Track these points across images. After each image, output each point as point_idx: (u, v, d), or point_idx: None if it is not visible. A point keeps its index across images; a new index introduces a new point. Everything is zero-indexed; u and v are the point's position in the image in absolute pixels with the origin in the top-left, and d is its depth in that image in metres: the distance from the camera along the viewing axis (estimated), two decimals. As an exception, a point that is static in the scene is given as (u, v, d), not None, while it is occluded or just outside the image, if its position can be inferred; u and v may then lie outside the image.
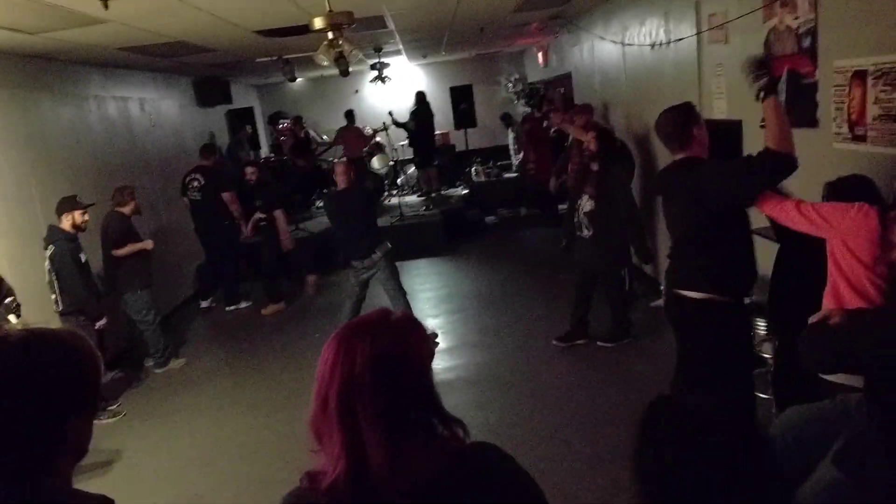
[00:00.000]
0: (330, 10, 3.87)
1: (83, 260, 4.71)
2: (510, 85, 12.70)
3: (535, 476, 1.16)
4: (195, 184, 6.97)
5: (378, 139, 11.18)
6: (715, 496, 0.92)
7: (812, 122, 3.38)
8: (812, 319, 2.24)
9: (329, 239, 8.84)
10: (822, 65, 3.27)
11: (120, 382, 5.46)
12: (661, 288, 3.71)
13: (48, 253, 4.58)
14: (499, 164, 11.54)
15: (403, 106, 11.01)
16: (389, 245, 5.36)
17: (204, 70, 8.61)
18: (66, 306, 4.58)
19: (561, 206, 7.93)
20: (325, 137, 11.91)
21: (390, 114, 10.85)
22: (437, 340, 5.45)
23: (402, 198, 10.32)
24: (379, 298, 5.65)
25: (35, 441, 0.96)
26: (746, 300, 3.02)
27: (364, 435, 1.02)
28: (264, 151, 12.48)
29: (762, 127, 3.86)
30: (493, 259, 8.24)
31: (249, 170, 7.25)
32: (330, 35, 3.96)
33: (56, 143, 5.65)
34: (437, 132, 11.13)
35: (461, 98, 11.08)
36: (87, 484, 1.56)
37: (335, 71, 5.46)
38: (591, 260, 4.89)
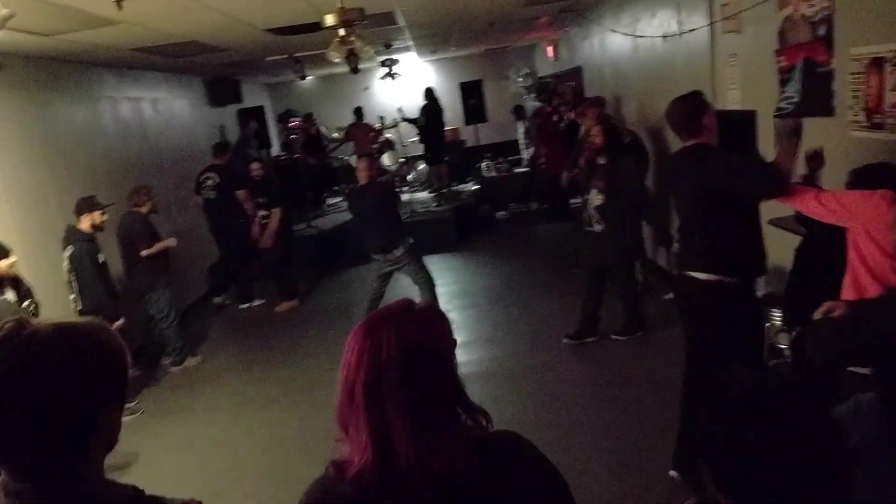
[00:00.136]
0: (342, 7, 3.88)
1: (101, 260, 4.76)
2: (520, 79, 12.66)
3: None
4: (209, 182, 7.01)
5: (388, 135, 11.20)
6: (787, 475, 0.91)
7: (828, 111, 3.34)
8: (816, 315, 2.23)
9: (338, 236, 8.89)
10: (839, 53, 3.23)
11: (137, 381, 5.51)
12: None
13: (67, 253, 4.63)
14: (509, 159, 11.52)
15: (413, 102, 11.01)
16: (412, 240, 5.36)
17: (215, 70, 8.65)
18: (85, 307, 4.63)
19: (572, 201, 7.90)
20: (335, 135, 11.94)
21: (399, 111, 10.86)
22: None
23: (413, 194, 10.33)
24: (394, 294, 5.66)
25: (68, 432, 0.97)
26: (758, 288, 3.01)
27: (391, 424, 1.02)
28: (275, 150, 12.52)
29: (776, 117, 3.84)
30: (505, 254, 8.24)
31: (254, 166, 7.26)
32: (342, 32, 3.97)
33: (70, 143, 5.71)
34: (447, 128, 11.12)
35: (471, 93, 11.05)
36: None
37: (345, 68, 5.47)
38: (603, 254, 4.87)
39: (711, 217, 2.85)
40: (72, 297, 4.65)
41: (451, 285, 7.17)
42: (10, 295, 3.90)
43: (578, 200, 5.99)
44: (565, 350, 4.95)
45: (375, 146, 10.82)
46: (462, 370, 1.13)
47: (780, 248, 3.66)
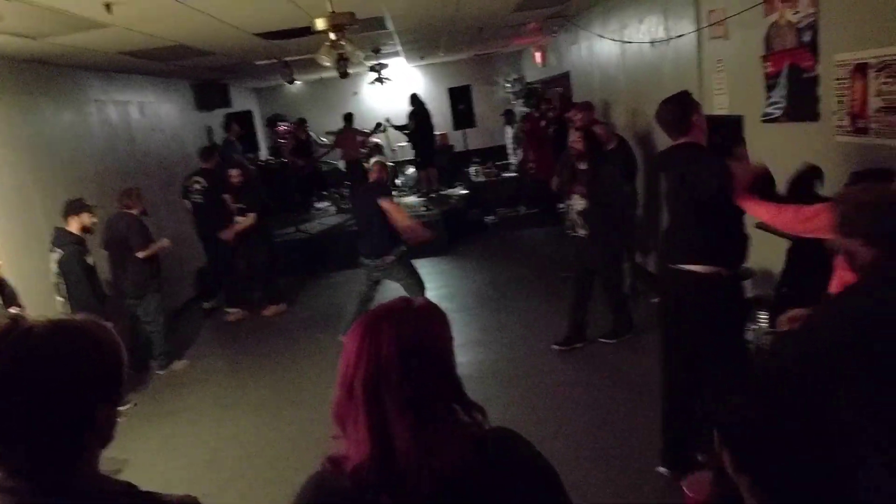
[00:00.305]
0: (332, 12, 3.89)
1: (90, 263, 4.72)
2: (508, 85, 12.73)
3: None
4: (197, 186, 6.97)
5: (377, 140, 11.21)
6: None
7: (813, 116, 3.40)
8: (782, 323, 2.29)
9: (326, 240, 8.87)
10: (823, 58, 3.29)
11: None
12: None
13: (55, 256, 4.58)
14: (497, 163, 11.57)
15: (401, 107, 11.03)
16: (404, 248, 5.31)
17: (203, 73, 8.62)
18: (73, 310, 4.58)
19: (561, 205, 7.94)
20: (324, 140, 11.93)
21: (387, 121, 10.89)
22: None
23: (402, 198, 10.33)
24: (387, 295, 5.66)
25: (63, 428, 0.97)
26: (746, 289, 3.10)
27: (390, 420, 1.03)
28: (263, 154, 12.49)
29: (764, 122, 3.90)
30: (494, 258, 8.26)
31: (233, 172, 6.99)
32: (332, 36, 3.98)
33: (57, 147, 5.66)
34: (436, 133, 11.16)
35: (459, 99, 11.11)
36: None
37: (334, 73, 5.49)
38: (588, 258, 4.89)
39: (699, 212, 2.93)
40: (59, 299, 4.60)
41: (439, 289, 7.17)
42: (-5, 299, 3.86)
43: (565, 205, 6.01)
44: (554, 353, 4.97)
45: (364, 150, 10.83)
46: (454, 372, 1.14)
47: (768, 252, 3.71)
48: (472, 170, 11.24)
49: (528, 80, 12.64)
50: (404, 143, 11.68)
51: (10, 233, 4.84)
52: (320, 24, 3.86)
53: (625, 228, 5.56)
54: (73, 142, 5.95)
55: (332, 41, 4.02)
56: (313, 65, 5.82)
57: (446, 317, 1.17)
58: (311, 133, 11.69)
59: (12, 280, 4.30)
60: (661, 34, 5.39)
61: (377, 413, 1.04)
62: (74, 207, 4.72)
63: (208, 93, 9.40)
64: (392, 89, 11.78)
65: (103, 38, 4.88)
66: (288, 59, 7.88)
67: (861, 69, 2.99)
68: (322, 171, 11.69)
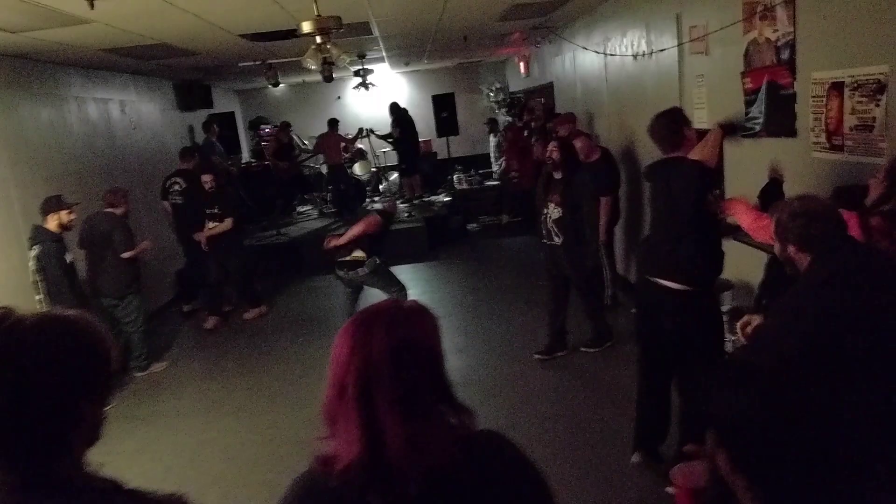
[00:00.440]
0: (318, 15, 3.89)
1: (69, 260, 4.65)
2: (491, 94, 12.81)
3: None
4: (176, 187, 6.90)
5: (360, 145, 11.19)
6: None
7: (791, 132, 3.48)
8: (739, 331, 2.41)
9: (308, 244, 8.81)
10: (801, 76, 3.37)
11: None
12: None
13: (33, 253, 4.51)
14: (480, 172, 11.62)
15: (384, 113, 11.03)
16: (378, 261, 5.21)
17: (185, 73, 8.55)
18: (51, 308, 4.51)
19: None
20: (306, 143, 11.88)
21: (371, 130, 10.90)
22: None
23: (385, 204, 10.31)
24: (376, 298, 5.65)
25: (50, 423, 0.96)
26: (723, 302, 3.17)
27: (381, 420, 1.04)
28: (245, 156, 12.40)
29: (742, 136, 3.98)
30: (476, 265, 8.29)
31: (206, 178, 6.62)
32: (318, 39, 3.98)
33: (35, 143, 5.57)
34: (420, 139, 11.19)
35: (443, 106, 11.14)
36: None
37: (317, 77, 5.49)
38: (564, 266, 4.92)
39: (683, 225, 2.99)
40: (38, 297, 4.52)
41: (422, 295, 7.17)
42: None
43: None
44: (536, 361, 5.00)
45: (347, 155, 10.80)
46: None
47: (746, 264, 3.78)
48: (455, 177, 11.28)
49: (512, 89, 12.74)
50: (388, 149, 11.69)
51: (-15, 230, 4.76)
52: (306, 27, 3.86)
53: (605, 239, 5.63)
54: (53, 139, 5.86)
55: (318, 45, 4.02)
56: (298, 67, 5.82)
57: (435, 317, 1.18)
58: (294, 136, 11.64)
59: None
60: (643, 48, 5.48)
61: (368, 412, 1.04)
62: (52, 205, 4.65)
63: (190, 93, 9.32)
64: (376, 95, 11.80)
65: (85, 33, 4.83)
66: (272, 61, 7.86)
67: (837, 87, 3.07)
68: (305, 175, 11.64)
